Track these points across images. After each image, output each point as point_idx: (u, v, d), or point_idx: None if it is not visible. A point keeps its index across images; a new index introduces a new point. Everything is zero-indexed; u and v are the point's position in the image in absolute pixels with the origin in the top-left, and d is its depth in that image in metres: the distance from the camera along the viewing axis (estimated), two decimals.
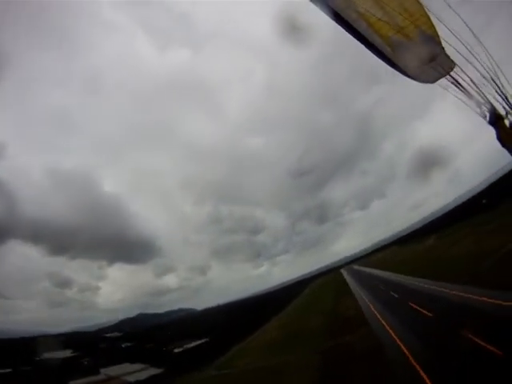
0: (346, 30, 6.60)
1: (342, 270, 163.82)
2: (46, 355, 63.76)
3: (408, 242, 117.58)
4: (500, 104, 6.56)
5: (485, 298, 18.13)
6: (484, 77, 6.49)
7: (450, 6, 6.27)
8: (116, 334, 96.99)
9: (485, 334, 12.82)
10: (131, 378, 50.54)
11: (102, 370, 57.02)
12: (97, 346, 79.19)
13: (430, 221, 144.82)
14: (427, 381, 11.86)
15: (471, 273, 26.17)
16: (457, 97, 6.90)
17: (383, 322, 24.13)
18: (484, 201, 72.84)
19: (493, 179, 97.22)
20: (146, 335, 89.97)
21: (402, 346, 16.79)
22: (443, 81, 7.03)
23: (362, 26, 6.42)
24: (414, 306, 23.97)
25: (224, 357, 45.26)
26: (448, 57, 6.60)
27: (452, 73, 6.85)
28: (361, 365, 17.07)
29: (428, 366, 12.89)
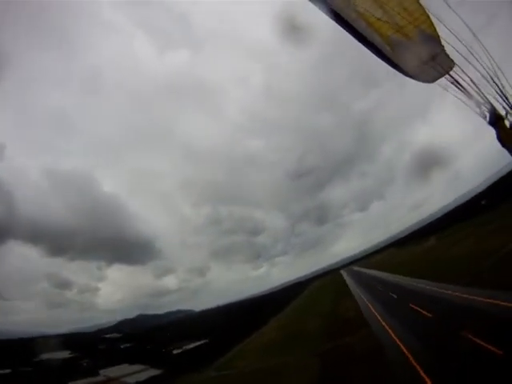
0: (346, 30, 6.61)
1: (342, 271, 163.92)
2: (45, 356, 63.52)
3: (408, 243, 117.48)
4: (500, 104, 6.56)
5: (486, 299, 18.06)
6: (484, 77, 6.49)
7: (449, 6, 6.27)
8: (115, 334, 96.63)
9: (485, 334, 12.78)
10: (130, 379, 50.28)
11: (102, 371, 56.79)
12: (96, 346, 78.95)
13: (429, 222, 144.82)
14: (428, 381, 11.81)
15: (472, 273, 26.15)
16: (456, 97, 6.90)
17: (383, 322, 24.09)
18: (483, 202, 72.84)
19: (493, 179, 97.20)
20: (146, 336, 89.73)
21: (402, 347, 16.75)
22: (443, 80, 7.04)
23: (361, 26, 6.43)
24: (414, 307, 23.93)
25: (223, 358, 45.15)
26: (448, 56, 6.61)
27: (452, 72, 6.85)
28: (361, 366, 17.01)
29: (428, 367, 12.83)
